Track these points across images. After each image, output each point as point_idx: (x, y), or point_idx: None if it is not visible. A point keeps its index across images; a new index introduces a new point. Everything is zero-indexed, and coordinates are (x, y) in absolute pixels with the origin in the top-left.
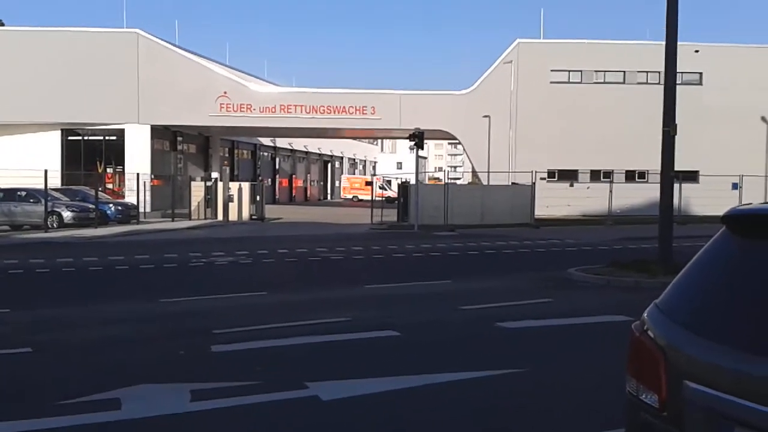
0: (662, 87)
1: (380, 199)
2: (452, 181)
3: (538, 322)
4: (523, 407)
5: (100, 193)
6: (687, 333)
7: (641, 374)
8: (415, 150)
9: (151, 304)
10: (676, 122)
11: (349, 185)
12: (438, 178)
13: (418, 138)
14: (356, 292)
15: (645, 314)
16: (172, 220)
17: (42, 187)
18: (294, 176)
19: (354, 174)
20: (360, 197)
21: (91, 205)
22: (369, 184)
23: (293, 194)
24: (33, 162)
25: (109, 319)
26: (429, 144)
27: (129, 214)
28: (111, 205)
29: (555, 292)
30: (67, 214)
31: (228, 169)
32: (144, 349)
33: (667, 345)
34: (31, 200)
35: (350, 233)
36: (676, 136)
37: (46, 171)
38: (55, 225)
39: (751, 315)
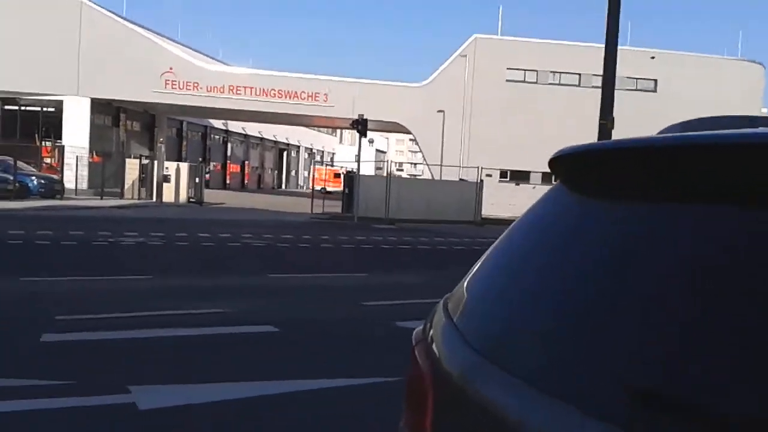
0: (617, 92)
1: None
2: (413, 176)
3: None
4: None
5: (23, 164)
6: (473, 353)
7: (410, 405)
8: (359, 137)
9: (5, 283)
10: (613, 117)
11: (318, 176)
12: (381, 168)
13: (361, 125)
14: (255, 281)
15: (435, 310)
16: (101, 198)
17: None
18: (247, 162)
19: (320, 165)
20: (328, 189)
21: (10, 177)
22: (338, 176)
23: (245, 181)
24: None
25: None
26: (390, 138)
27: (53, 188)
28: (33, 177)
29: None
30: None
31: (164, 148)
32: None
33: (442, 367)
34: None
35: (287, 221)
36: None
37: None
38: None
39: (558, 323)
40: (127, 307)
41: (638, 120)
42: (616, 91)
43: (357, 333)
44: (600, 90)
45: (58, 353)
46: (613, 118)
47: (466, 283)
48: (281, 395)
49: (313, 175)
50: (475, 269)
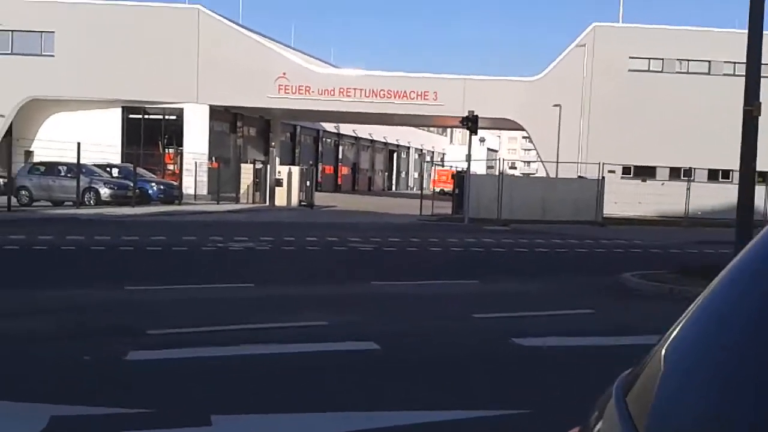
0: None
1: (441, 190)
2: (526, 174)
3: (566, 341)
4: None
5: (143, 171)
6: None
7: None
8: (469, 135)
9: (110, 292)
10: (760, 103)
11: (437, 177)
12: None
13: (471, 122)
14: (358, 289)
15: (605, 400)
16: (217, 203)
17: (101, 162)
18: (358, 164)
19: (440, 166)
20: (446, 190)
21: (130, 183)
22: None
23: (355, 183)
24: (94, 139)
25: (42, 307)
26: (502, 136)
27: (172, 194)
28: (153, 184)
29: (600, 301)
30: (104, 191)
31: (276, 153)
32: (48, 349)
33: None
34: (70, 175)
35: (395, 223)
36: (759, 134)
37: (78, 144)
38: (92, 202)
39: None
40: (224, 320)
41: None
42: None
43: (468, 352)
44: (732, 78)
45: (141, 374)
46: (760, 104)
47: (657, 363)
48: (378, 431)
49: (433, 177)
50: (670, 339)
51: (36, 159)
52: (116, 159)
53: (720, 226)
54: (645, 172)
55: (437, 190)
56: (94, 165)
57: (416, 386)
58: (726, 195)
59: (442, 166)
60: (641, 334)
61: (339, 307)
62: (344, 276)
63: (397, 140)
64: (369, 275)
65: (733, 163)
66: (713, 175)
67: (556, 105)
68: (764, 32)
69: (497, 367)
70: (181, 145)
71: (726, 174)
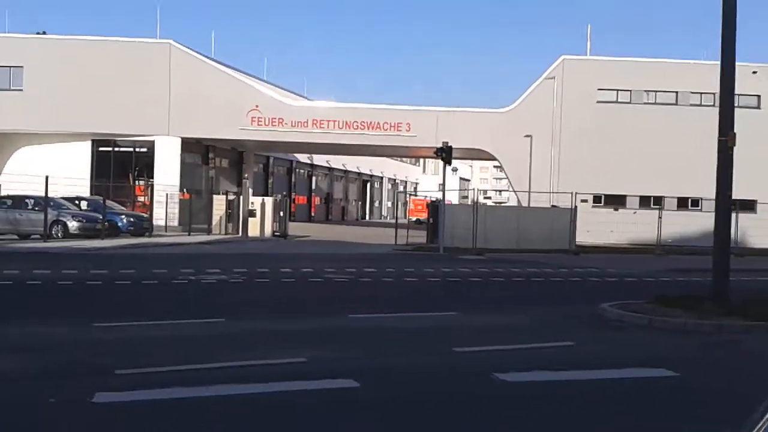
0: (716, 109)
1: (417, 219)
2: (498, 203)
3: (549, 375)
4: None
5: (112, 203)
6: None
7: None
8: (443, 165)
9: (77, 328)
10: (735, 133)
11: (413, 207)
12: (466, 197)
13: (445, 152)
14: (335, 322)
15: None
16: (188, 234)
17: (70, 195)
18: (331, 194)
19: (415, 195)
20: (421, 219)
21: (99, 216)
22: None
23: (329, 213)
24: (63, 172)
25: (4, 346)
26: (474, 166)
27: (142, 226)
28: (123, 216)
29: (580, 333)
30: (72, 224)
31: (249, 184)
32: (10, 391)
33: None
34: (37, 208)
35: (370, 253)
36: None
37: (47, 177)
38: (60, 235)
39: None
40: (197, 357)
41: (741, 138)
42: (715, 108)
43: (451, 390)
44: (699, 108)
45: (107, 420)
46: (735, 134)
47: None
48: None
49: (410, 207)
50: None
51: (3, 192)
52: (86, 192)
53: (691, 254)
54: (615, 201)
55: (413, 219)
56: (63, 198)
57: (398, 430)
58: (696, 222)
59: (416, 195)
60: (622, 367)
61: (316, 342)
62: (320, 309)
63: (370, 170)
64: (345, 308)
65: (701, 191)
66: (682, 203)
67: (527, 135)
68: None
69: (481, 406)
70: (152, 177)
71: (695, 202)
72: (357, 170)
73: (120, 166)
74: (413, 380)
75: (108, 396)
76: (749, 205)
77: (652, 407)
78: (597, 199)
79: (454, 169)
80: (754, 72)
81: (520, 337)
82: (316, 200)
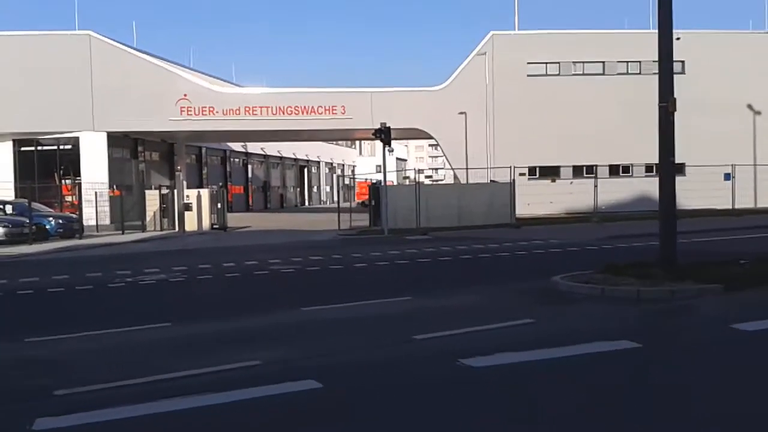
0: (642, 77)
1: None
2: (435, 181)
3: (515, 357)
4: None
5: (39, 205)
6: None
7: None
8: (382, 146)
9: (8, 345)
10: (675, 98)
11: (359, 190)
12: (408, 177)
13: (384, 134)
14: (288, 317)
15: None
16: (122, 233)
17: None
18: (268, 182)
19: (362, 179)
20: (366, 203)
21: (26, 219)
22: None
23: (267, 201)
24: None
25: None
26: (409, 146)
27: (72, 227)
28: (51, 218)
29: (538, 309)
30: None
31: (183, 176)
32: None
33: None
34: None
35: (315, 241)
36: (652, 129)
37: None
38: None
39: None
40: (143, 369)
41: None
42: (641, 76)
43: (416, 381)
44: (626, 76)
45: None
46: (675, 99)
47: None
48: None
49: (355, 190)
50: None
51: None
52: (10, 195)
53: (627, 219)
54: (551, 172)
55: (360, 202)
56: None
57: (370, 428)
58: (628, 188)
59: (353, 178)
60: (586, 341)
61: (270, 341)
62: (270, 303)
63: (306, 155)
64: (296, 300)
65: (631, 157)
66: (614, 170)
67: (461, 112)
68: (646, 31)
69: (450, 394)
70: (79, 175)
71: (626, 168)
72: (293, 156)
73: (44, 165)
74: (377, 374)
75: (50, 421)
76: (679, 169)
77: (623, 381)
78: (533, 171)
79: (391, 150)
80: (678, 38)
81: (478, 318)
82: (254, 189)
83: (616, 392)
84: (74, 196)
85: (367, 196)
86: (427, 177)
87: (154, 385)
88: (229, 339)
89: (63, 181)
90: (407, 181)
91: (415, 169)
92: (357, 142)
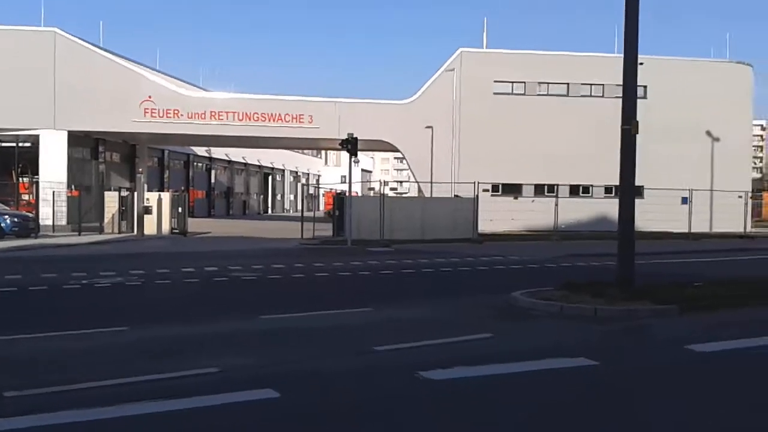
0: (605, 100)
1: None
2: (399, 194)
3: (473, 371)
4: None
5: None
6: None
7: None
8: (349, 157)
9: None
10: (637, 121)
11: (328, 200)
12: (373, 188)
13: (350, 144)
14: (247, 325)
15: None
16: (79, 234)
17: None
18: (231, 188)
19: (315, 187)
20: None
21: None
22: None
23: (230, 207)
24: None
25: None
26: (375, 157)
27: (27, 226)
28: (6, 216)
29: (497, 324)
30: None
31: (144, 179)
32: None
33: None
34: None
35: (277, 248)
36: (612, 151)
37: None
38: None
39: None
40: (96, 373)
41: None
42: (604, 99)
43: (376, 392)
44: (589, 98)
45: None
46: (638, 122)
47: None
48: None
49: (325, 200)
50: None
51: None
52: None
53: (586, 239)
54: (513, 190)
55: (327, 212)
56: None
57: None
58: (587, 209)
59: (317, 188)
60: (543, 357)
61: (228, 348)
62: (229, 310)
63: (271, 163)
64: (256, 308)
65: (591, 178)
66: (574, 190)
67: (428, 126)
68: (609, 55)
69: (408, 407)
70: (37, 174)
71: (586, 189)
72: (258, 163)
73: (2, 162)
74: (336, 384)
75: None
76: (637, 191)
77: (578, 399)
78: (496, 188)
79: (357, 161)
80: (641, 63)
81: (438, 331)
82: (216, 195)
83: (572, 408)
84: (31, 195)
85: (330, 207)
86: (392, 189)
87: (107, 389)
88: (187, 345)
89: (20, 179)
90: (372, 192)
91: (380, 180)
92: (322, 152)
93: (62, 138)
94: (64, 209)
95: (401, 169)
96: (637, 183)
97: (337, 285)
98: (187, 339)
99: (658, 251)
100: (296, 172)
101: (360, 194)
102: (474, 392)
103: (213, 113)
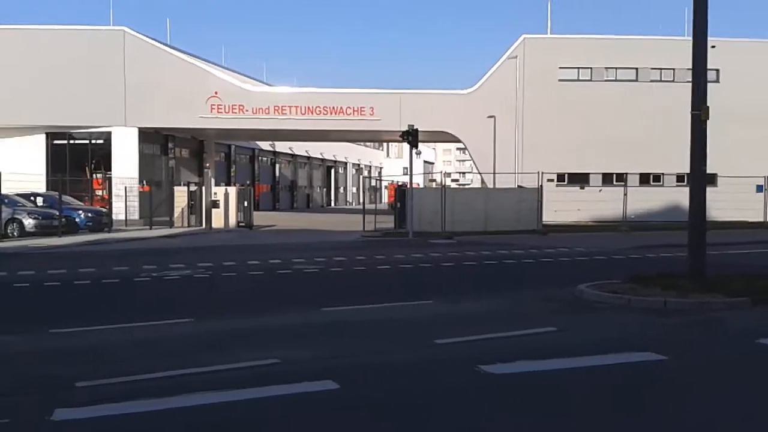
0: (676, 84)
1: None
2: (462, 185)
3: (536, 365)
4: None
5: (70, 198)
6: None
7: None
8: (409, 149)
9: (32, 336)
10: (708, 107)
11: (390, 193)
12: (434, 180)
13: (411, 136)
14: (308, 317)
15: None
16: (150, 228)
17: (24, 191)
18: (295, 182)
19: (392, 181)
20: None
21: (56, 212)
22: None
23: (294, 201)
24: (17, 167)
25: None
26: (437, 149)
27: (101, 221)
28: (81, 211)
29: (561, 317)
30: (28, 222)
31: (211, 174)
32: None
33: None
34: None
35: (339, 241)
36: (684, 138)
37: None
38: (15, 233)
39: None
40: (164, 363)
41: None
42: (675, 84)
43: (436, 386)
44: (659, 83)
45: None
46: (708, 107)
47: None
48: None
49: (389, 192)
50: None
51: None
52: (41, 188)
53: (656, 229)
54: (580, 179)
55: (390, 204)
56: (17, 194)
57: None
58: (658, 198)
59: (379, 180)
60: (609, 352)
61: (290, 339)
62: (292, 302)
63: (334, 156)
64: (318, 300)
65: (662, 166)
66: (644, 178)
67: (490, 116)
68: (681, 38)
69: (468, 401)
70: (110, 170)
71: (657, 177)
72: (321, 156)
73: (76, 159)
74: (396, 377)
75: (69, 412)
76: (710, 179)
77: (646, 394)
78: (561, 177)
79: (418, 153)
80: (713, 46)
81: (500, 324)
82: (281, 188)
83: (637, 404)
84: (104, 191)
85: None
86: (453, 180)
87: (174, 379)
88: (250, 336)
89: (94, 175)
90: (434, 184)
91: (442, 172)
92: (384, 144)
93: (133, 135)
94: (136, 204)
95: (463, 160)
96: (710, 170)
97: (398, 277)
98: (250, 331)
99: (732, 242)
100: (358, 165)
101: (422, 186)
102: (535, 387)
103: (276, 108)
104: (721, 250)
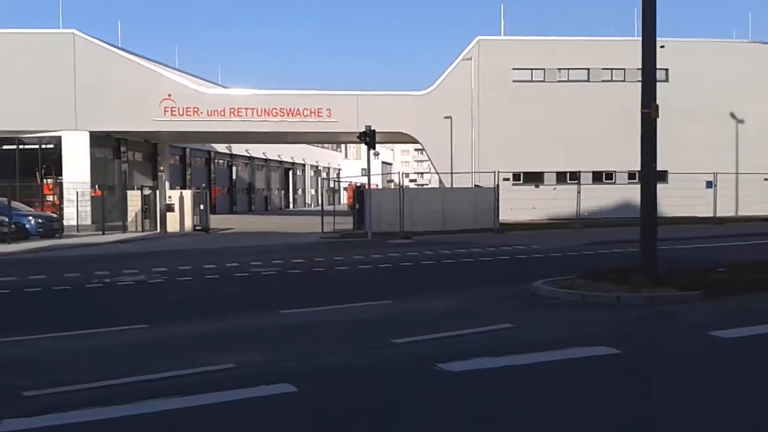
0: (626, 84)
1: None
2: (420, 185)
3: (493, 362)
4: None
5: (19, 204)
6: None
7: None
8: (367, 150)
9: None
10: (657, 105)
11: (350, 194)
12: (393, 180)
13: (369, 137)
14: (266, 320)
15: None
16: (103, 233)
17: None
18: (253, 184)
19: (348, 183)
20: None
21: (5, 218)
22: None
23: (252, 203)
24: None
25: None
26: (395, 149)
27: (52, 227)
28: (31, 217)
29: (517, 314)
30: None
31: (165, 177)
32: None
33: None
34: None
35: (297, 243)
36: (635, 136)
37: None
38: None
39: None
40: (117, 371)
41: None
42: (626, 84)
43: (395, 385)
44: (610, 83)
45: None
46: (657, 106)
47: None
48: None
49: (348, 194)
50: None
51: None
52: None
53: (609, 226)
54: (534, 178)
55: (349, 205)
56: None
57: None
58: (610, 195)
59: (338, 181)
60: (565, 347)
61: (246, 344)
62: (249, 306)
63: (292, 158)
64: (275, 303)
65: (613, 164)
66: (597, 177)
67: (447, 117)
68: (630, 39)
69: (426, 400)
70: (61, 175)
71: (609, 175)
72: (278, 158)
73: (25, 164)
74: (354, 378)
75: (16, 423)
76: (661, 176)
77: (600, 386)
78: (516, 177)
79: (376, 154)
80: (662, 47)
81: (458, 322)
82: (237, 191)
83: (591, 397)
84: (55, 196)
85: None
86: (412, 181)
87: (128, 386)
88: (206, 341)
89: (44, 180)
90: (392, 184)
91: (400, 172)
92: (343, 146)
93: (84, 138)
94: (88, 209)
95: (422, 161)
96: (661, 168)
97: (357, 278)
98: (207, 335)
99: (683, 236)
100: (317, 167)
101: (380, 186)
102: (492, 384)
103: (232, 110)
104: (673, 245)
